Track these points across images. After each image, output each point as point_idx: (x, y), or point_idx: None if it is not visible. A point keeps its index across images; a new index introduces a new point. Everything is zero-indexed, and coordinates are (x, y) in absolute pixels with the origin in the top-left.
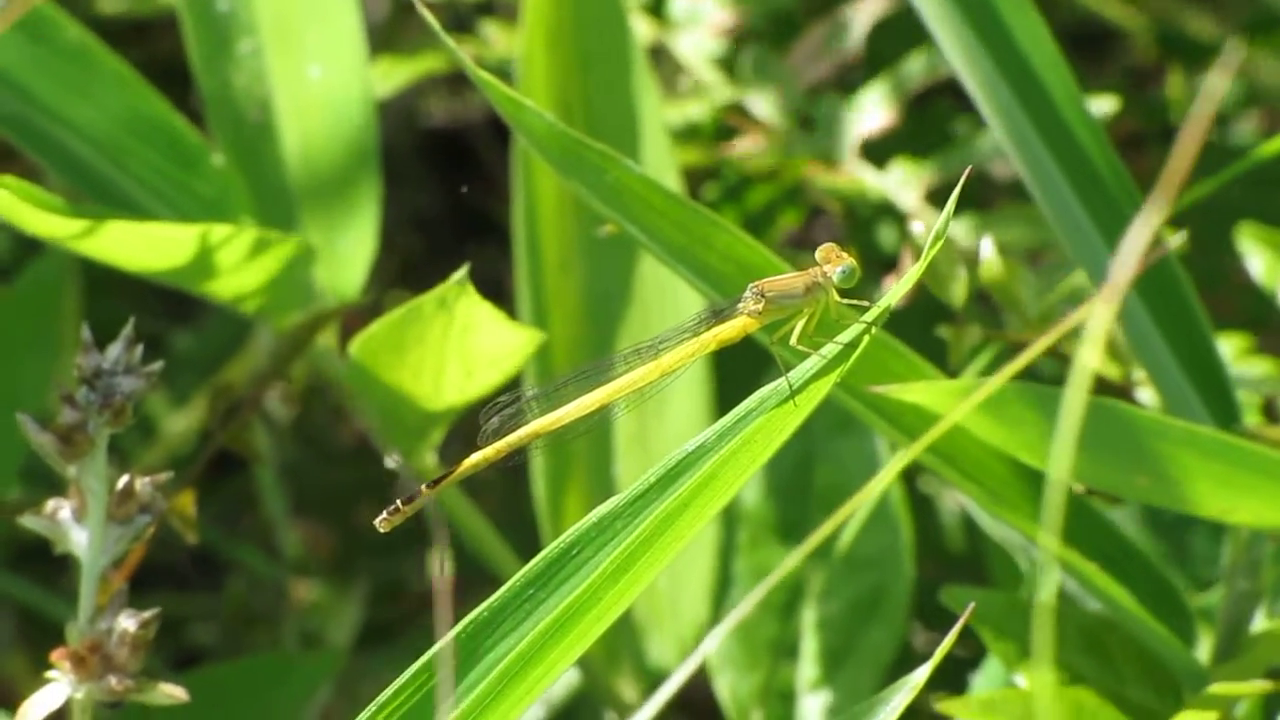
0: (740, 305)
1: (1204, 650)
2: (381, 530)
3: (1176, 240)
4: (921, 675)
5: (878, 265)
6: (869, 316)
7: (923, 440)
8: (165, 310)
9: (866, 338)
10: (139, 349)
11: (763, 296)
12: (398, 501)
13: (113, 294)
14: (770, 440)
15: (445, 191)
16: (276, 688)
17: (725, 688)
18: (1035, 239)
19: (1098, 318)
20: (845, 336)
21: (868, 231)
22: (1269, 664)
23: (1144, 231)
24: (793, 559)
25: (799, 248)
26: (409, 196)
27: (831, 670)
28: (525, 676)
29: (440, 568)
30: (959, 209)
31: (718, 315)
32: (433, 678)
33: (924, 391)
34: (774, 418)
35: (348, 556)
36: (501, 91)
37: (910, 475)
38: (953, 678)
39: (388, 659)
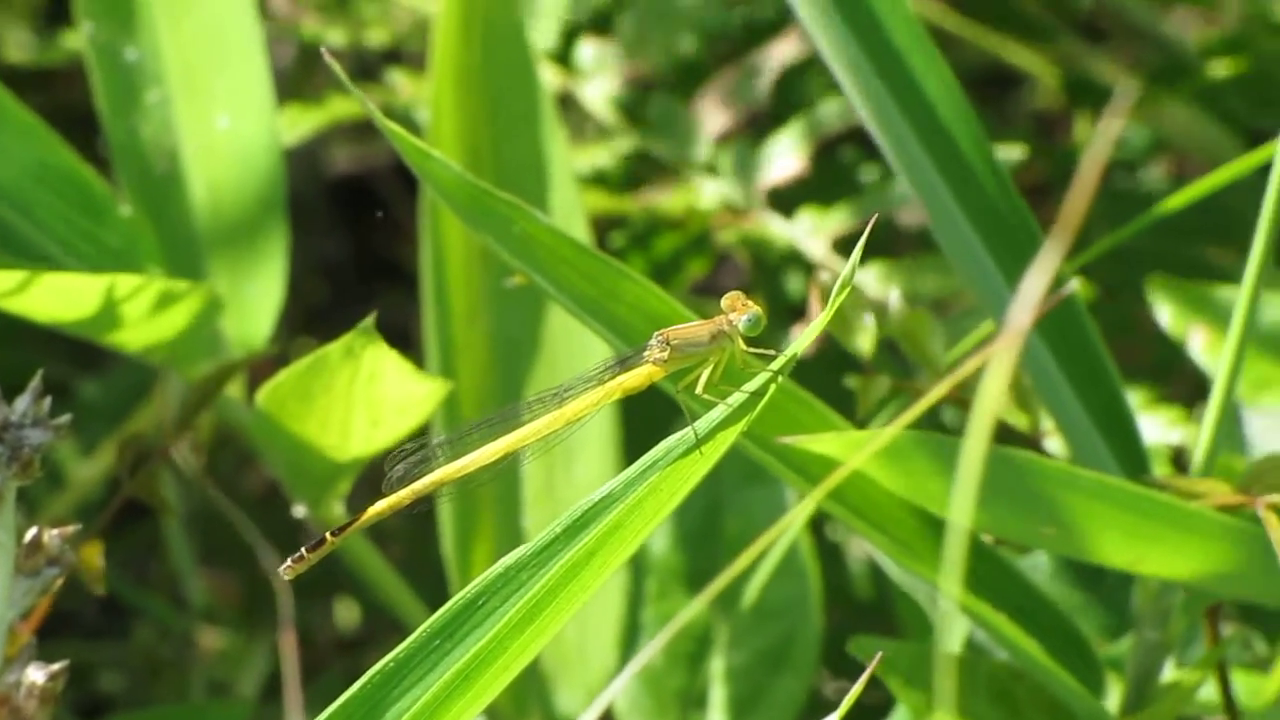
0: (646, 353)
1: (1113, 701)
2: (286, 578)
3: (1075, 284)
4: None
5: (785, 313)
6: (775, 365)
7: (822, 487)
8: (72, 357)
9: (773, 386)
10: (47, 401)
11: (668, 345)
12: (302, 549)
13: (18, 341)
14: (677, 489)
15: (351, 237)
16: None
17: None
18: (943, 287)
19: (998, 362)
20: (752, 385)
21: (775, 279)
22: (1177, 715)
23: (1043, 274)
24: (699, 601)
25: (707, 294)
26: (315, 242)
27: (740, 719)
28: None
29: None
30: (866, 257)
31: (623, 363)
32: None
33: (832, 443)
34: (680, 467)
35: (255, 605)
36: (408, 141)
37: (818, 523)
38: None
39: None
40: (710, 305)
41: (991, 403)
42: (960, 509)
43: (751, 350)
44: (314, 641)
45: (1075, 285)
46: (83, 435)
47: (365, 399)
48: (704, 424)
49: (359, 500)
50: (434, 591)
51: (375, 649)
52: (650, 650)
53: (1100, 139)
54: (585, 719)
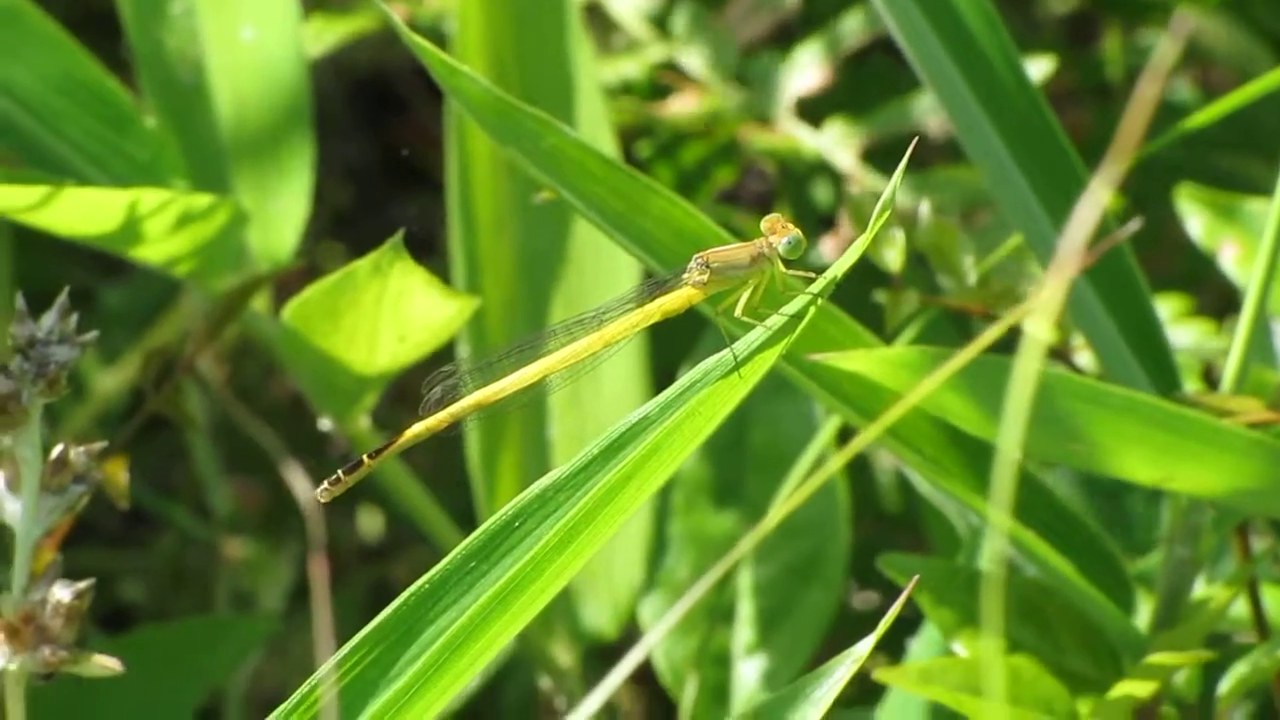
0: (685, 276)
1: (1143, 618)
2: (322, 501)
3: (1128, 229)
4: (865, 648)
5: (814, 222)
6: (815, 288)
7: (881, 421)
8: (94, 264)
9: (812, 310)
10: (73, 318)
11: (708, 267)
12: (339, 472)
13: (40, 248)
14: (714, 413)
15: (374, 140)
16: (210, 651)
17: (660, 653)
18: (971, 199)
19: (1048, 297)
20: (791, 308)
21: (802, 189)
22: (1208, 632)
23: (1092, 209)
24: (741, 550)
25: (733, 202)
26: (337, 146)
27: (768, 634)
28: (468, 649)
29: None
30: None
31: (661, 286)
32: (376, 649)
33: (863, 360)
34: (718, 390)
35: (280, 514)
36: (436, 56)
37: (845, 436)
38: (890, 641)
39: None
40: (737, 214)
41: (1038, 347)
42: (1009, 435)
43: (791, 272)
44: (338, 551)
45: (1127, 231)
46: (105, 343)
47: (392, 315)
48: (743, 347)
49: (382, 415)
50: (459, 501)
51: (400, 559)
52: (683, 606)
53: (1150, 73)
54: (629, 662)
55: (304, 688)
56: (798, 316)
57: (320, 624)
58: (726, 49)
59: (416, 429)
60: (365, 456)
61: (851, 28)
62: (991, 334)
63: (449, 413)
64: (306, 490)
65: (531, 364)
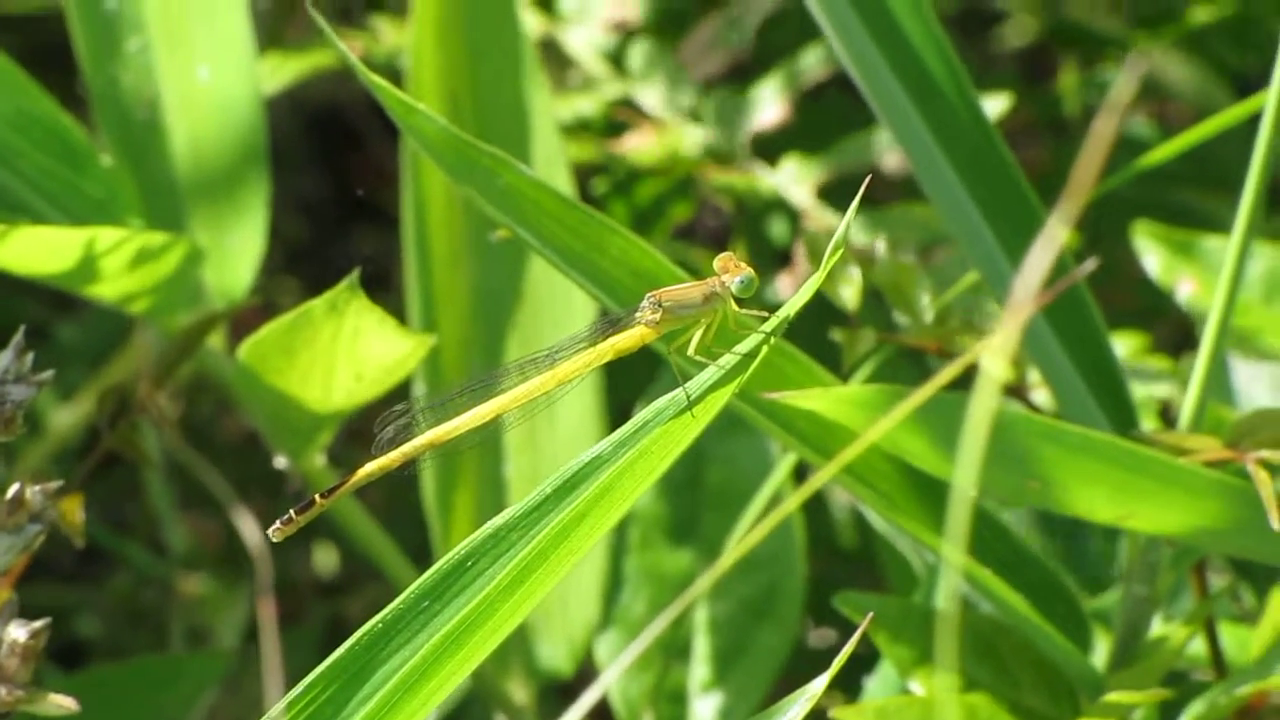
0: (638, 314)
1: (1100, 656)
2: (275, 540)
3: (1086, 268)
4: (820, 685)
5: (769, 259)
6: (768, 326)
7: (838, 460)
8: (48, 299)
9: (765, 348)
10: (29, 356)
11: (660, 306)
12: (291, 511)
13: None
14: (668, 451)
15: (329, 173)
16: (165, 689)
17: (616, 689)
18: (927, 236)
19: (1004, 336)
20: (744, 346)
21: (758, 225)
22: (1166, 670)
23: (1048, 249)
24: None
25: (689, 239)
26: (293, 181)
27: (724, 670)
28: (421, 688)
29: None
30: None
31: (615, 324)
32: (329, 689)
33: (819, 399)
34: (671, 429)
35: (234, 550)
36: (392, 94)
37: (801, 473)
38: (846, 678)
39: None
40: (693, 250)
41: (994, 383)
42: (965, 471)
43: (744, 311)
44: (294, 586)
45: (1084, 270)
46: (60, 380)
47: (348, 354)
48: (696, 385)
49: (338, 450)
50: (413, 537)
51: (354, 595)
52: (640, 645)
53: (1107, 110)
54: (588, 697)
55: None
56: (750, 355)
57: (269, 665)
58: (682, 86)
59: (369, 468)
60: (318, 496)
61: (808, 64)
62: (948, 373)
63: (402, 452)
64: (255, 533)
65: (485, 403)
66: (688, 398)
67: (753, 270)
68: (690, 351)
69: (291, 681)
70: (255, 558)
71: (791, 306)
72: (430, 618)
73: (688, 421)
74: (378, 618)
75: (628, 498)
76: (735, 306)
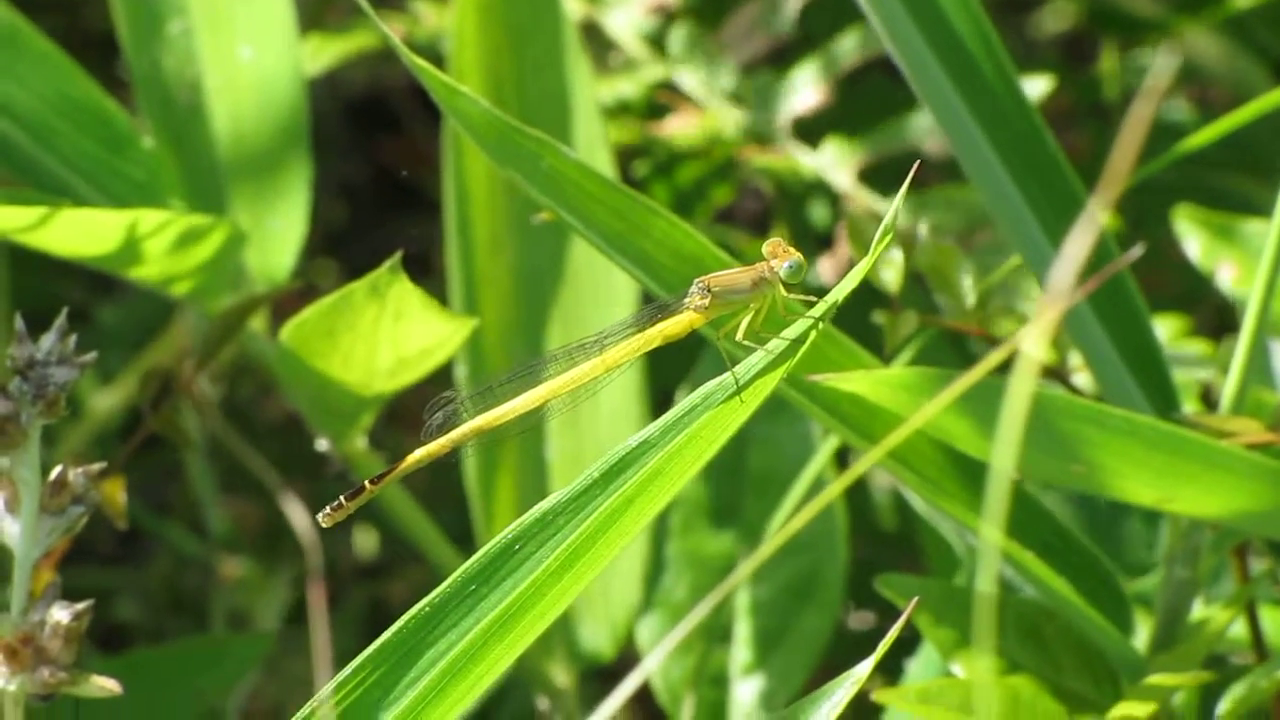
0: (686, 300)
1: (1141, 639)
2: (324, 525)
3: (1130, 256)
4: (865, 669)
5: (811, 242)
6: (815, 311)
7: (883, 445)
8: (90, 282)
9: (813, 334)
10: (72, 339)
11: (709, 292)
12: (341, 498)
13: (36, 266)
14: (716, 436)
15: (369, 158)
16: (206, 671)
17: (658, 673)
18: (969, 219)
19: (1044, 319)
20: (791, 331)
21: (799, 208)
22: (1207, 653)
23: (1088, 233)
24: (741, 573)
25: (730, 222)
26: (333, 165)
27: (765, 654)
28: (469, 673)
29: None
30: (894, 189)
31: (662, 310)
32: (376, 671)
33: (862, 381)
34: (720, 413)
35: (276, 533)
36: (435, 76)
37: (843, 456)
38: (888, 660)
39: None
40: (733, 233)
41: (1033, 368)
42: (1003, 454)
43: (792, 296)
44: (335, 570)
45: (1128, 259)
46: (101, 362)
47: (390, 337)
48: (744, 370)
49: (379, 433)
50: (455, 520)
51: (396, 578)
52: (682, 629)
53: (1144, 95)
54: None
55: (304, 710)
56: (799, 340)
57: (319, 648)
58: (723, 68)
59: (417, 455)
60: (367, 482)
61: (848, 47)
62: (995, 358)
63: (449, 438)
64: (301, 517)
65: (532, 389)
66: (736, 382)
67: (801, 256)
68: (739, 336)
69: (335, 664)
70: (303, 542)
71: (840, 291)
72: (477, 601)
73: (736, 406)
74: (425, 601)
75: (676, 482)
76: (784, 291)
